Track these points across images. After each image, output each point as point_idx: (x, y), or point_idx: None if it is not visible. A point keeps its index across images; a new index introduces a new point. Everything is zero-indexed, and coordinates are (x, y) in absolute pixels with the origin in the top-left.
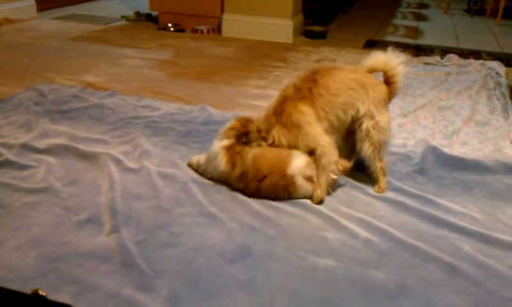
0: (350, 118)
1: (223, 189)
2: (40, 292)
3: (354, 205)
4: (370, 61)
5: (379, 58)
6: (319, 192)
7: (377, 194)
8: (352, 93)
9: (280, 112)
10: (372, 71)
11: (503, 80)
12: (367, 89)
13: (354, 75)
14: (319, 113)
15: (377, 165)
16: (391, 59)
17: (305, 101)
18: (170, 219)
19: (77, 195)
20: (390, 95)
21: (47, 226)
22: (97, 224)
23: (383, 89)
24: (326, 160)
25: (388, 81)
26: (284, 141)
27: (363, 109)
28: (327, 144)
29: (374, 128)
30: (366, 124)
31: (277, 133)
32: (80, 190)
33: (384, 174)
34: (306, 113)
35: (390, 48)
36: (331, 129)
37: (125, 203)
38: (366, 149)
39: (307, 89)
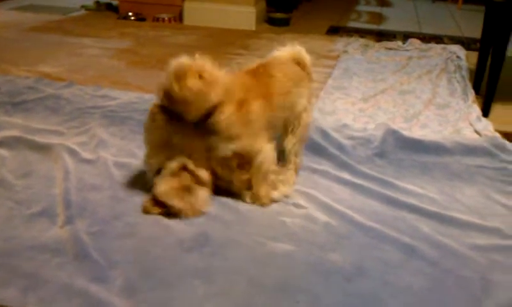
0: (298, 112)
1: None
2: None
3: (314, 189)
4: (288, 52)
5: (294, 50)
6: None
7: (338, 178)
8: (295, 88)
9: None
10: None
11: (463, 63)
12: (305, 82)
13: (293, 68)
14: (265, 112)
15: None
16: (302, 51)
17: (258, 99)
18: (126, 209)
19: (30, 187)
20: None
21: None
22: (50, 217)
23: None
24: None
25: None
26: None
27: (303, 104)
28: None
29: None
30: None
31: None
32: (34, 183)
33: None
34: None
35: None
36: (274, 130)
37: (80, 194)
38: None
39: (252, 86)
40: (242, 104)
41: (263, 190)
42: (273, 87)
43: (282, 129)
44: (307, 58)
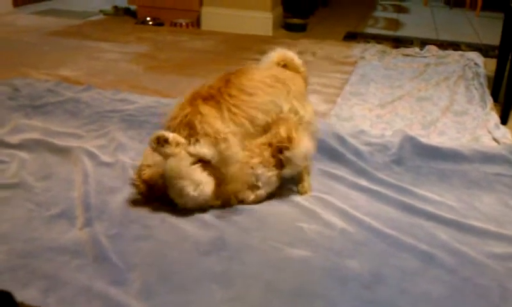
0: (275, 117)
1: None
2: None
3: (331, 195)
4: (273, 56)
5: (279, 53)
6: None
7: (355, 184)
8: (272, 90)
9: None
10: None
11: (481, 70)
12: (287, 84)
13: (270, 71)
14: (224, 115)
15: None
16: (287, 52)
17: (209, 102)
18: (144, 212)
19: (49, 190)
20: (306, 85)
21: (18, 221)
22: (70, 219)
23: (300, 80)
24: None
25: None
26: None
27: (286, 106)
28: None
29: (299, 125)
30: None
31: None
32: (53, 185)
33: (308, 174)
34: (205, 114)
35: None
36: (242, 134)
37: (99, 197)
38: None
39: (217, 89)
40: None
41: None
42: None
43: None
44: (295, 59)
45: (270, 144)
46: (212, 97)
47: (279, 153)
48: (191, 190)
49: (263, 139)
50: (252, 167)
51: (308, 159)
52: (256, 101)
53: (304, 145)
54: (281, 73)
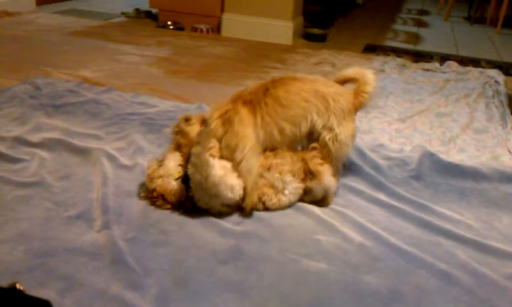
0: (305, 130)
1: None
2: (18, 286)
3: (349, 208)
4: (344, 72)
5: (352, 69)
6: (247, 200)
7: (374, 198)
8: (307, 105)
9: (224, 110)
10: (344, 81)
11: (501, 88)
12: (327, 99)
13: (312, 85)
14: (257, 121)
15: None
16: (362, 68)
17: (247, 106)
18: (162, 216)
19: (68, 190)
20: (358, 105)
21: (36, 220)
22: (88, 220)
23: (347, 97)
24: (244, 165)
25: (359, 90)
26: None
27: (320, 122)
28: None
29: (332, 141)
30: (323, 136)
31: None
32: (72, 186)
33: (331, 197)
34: (242, 114)
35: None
36: (270, 141)
37: (117, 199)
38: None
39: (256, 95)
40: None
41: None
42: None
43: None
44: (367, 75)
45: (303, 159)
46: (251, 102)
47: (308, 173)
48: (228, 193)
49: (299, 152)
50: (280, 173)
51: (329, 194)
52: (287, 113)
53: (326, 181)
54: (324, 88)
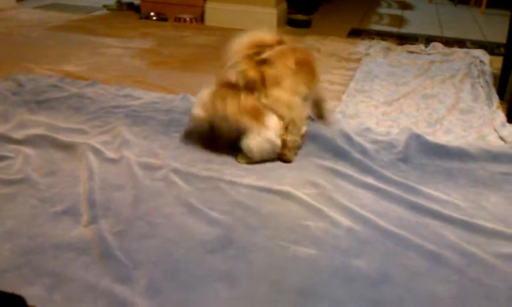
0: None
1: (205, 179)
2: None
3: (337, 193)
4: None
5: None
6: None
7: (361, 182)
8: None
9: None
10: None
11: (487, 68)
12: None
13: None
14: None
15: None
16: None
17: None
18: (150, 209)
19: (54, 186)
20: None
21: (22, 217)
22: (75, 216)
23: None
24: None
25: None
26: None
27: None
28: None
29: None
30: None
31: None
32: (58, 181)
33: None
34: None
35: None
36: None
37: (104, 193)
38: None
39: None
40: None
41: None
42: None
43: None
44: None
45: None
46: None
47: None
48: (274, 139)
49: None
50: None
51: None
52: None
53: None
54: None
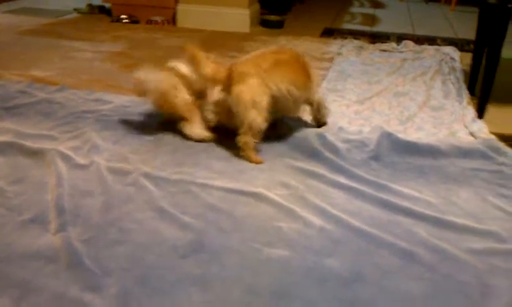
0: None
1: (176, 183)
2: None
3: (310, 193)
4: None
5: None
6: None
7: (334, 181)
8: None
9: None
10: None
11: (457, 65)
12: None
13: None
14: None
15: None
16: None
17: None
18: (120, 215)
19: (22, 194)
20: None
21: None
22: (43, 223)
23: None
24: None
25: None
26: None
27: None
28: None
29: None
30: None
31: None
32: (26, 189)
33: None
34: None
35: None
36: None
37: (73, 200)
38: None
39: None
40: None
41: None
42: None
43: None
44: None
45: None
46: None
47: None
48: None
49: None
50: None
51: None
52: None
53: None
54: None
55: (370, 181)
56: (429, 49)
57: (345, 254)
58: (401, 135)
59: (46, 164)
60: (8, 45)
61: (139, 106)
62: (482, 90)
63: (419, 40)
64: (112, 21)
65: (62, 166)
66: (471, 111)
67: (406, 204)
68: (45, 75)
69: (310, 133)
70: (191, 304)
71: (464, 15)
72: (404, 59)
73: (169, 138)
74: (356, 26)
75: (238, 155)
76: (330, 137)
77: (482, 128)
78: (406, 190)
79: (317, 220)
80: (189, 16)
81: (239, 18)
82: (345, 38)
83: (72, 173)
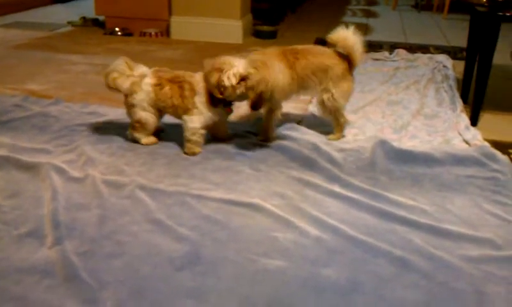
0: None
1: (172, 194)
2: None
3: (305, 203)
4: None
5: (340, 34)
6: None
7: (329, 191)
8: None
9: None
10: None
11: (450, 72)
12: (327, 70)
13: (319, 59)
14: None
15: (336, 122)
16: (349, 37)
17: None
18: (116, 227)
19: (17, 208)
20: (352, 66)
21: None
22: (39, 238)
23: (341, 66)
24: None
25: (350, 56)
26: None
27: (320, 87)
28: None
29: (328, 99)
30: (322, 96)
31: None
32: (22, 203)
33: (341, 130)
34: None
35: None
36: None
37: (69, 213)
38: (323, 113)
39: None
40: None
41: None
42: None
43: None
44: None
45: None
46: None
47: None
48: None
49: None
50: None
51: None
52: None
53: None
54: (328, 60)
55: (365, 190)
56: (422, 57)
57: (341, 263)
58: (395, 144)
59: (41, 178)
60: (3, 59)
61: None
62: (475, 97)
63: (412, 49)
64: (105, 34)
65: (57, 180)
66: (464, 119)
67: (401, 212)
68: (40, 88)
69: (305, 143)
70: None
71: (457, 22)
72: (397, 68)
73: (164, 150)
74: None
75: (234, 166)
76: (325, 147)
77: (476, 136)
78: (401, 199)
79: (313, 230)
80: (182, 27)
81: (232, 30)
82: None
83: (68, 186)
